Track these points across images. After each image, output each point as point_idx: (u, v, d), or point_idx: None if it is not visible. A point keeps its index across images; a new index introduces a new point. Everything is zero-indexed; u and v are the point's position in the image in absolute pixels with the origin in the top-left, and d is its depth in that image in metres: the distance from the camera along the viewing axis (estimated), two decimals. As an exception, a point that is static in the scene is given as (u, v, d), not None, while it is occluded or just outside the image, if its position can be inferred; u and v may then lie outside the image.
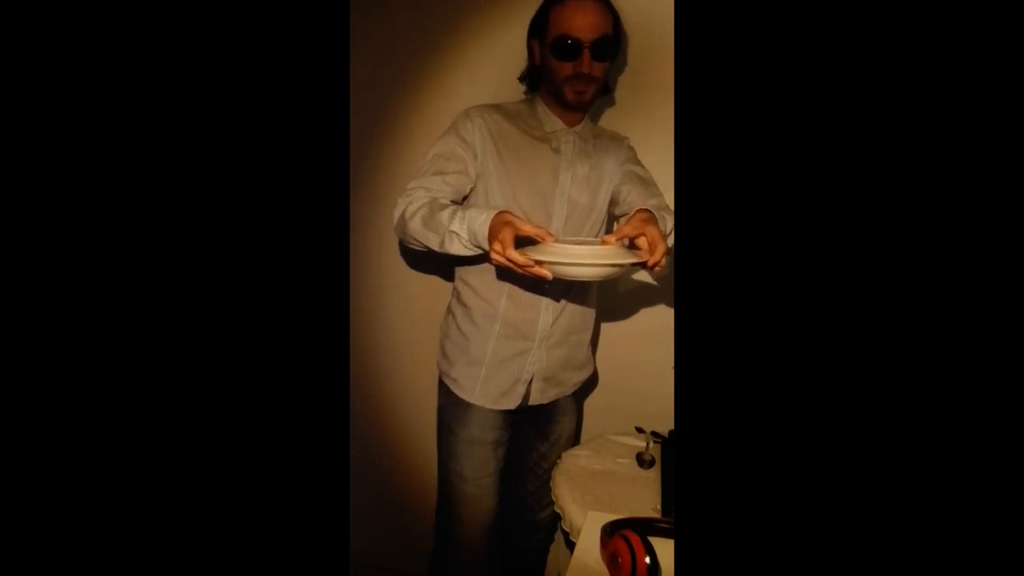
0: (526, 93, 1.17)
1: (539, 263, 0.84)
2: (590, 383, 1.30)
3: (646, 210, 0.99)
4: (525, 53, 1.13)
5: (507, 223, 0.87)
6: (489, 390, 1.11)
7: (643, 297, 1.34)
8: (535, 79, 1.12)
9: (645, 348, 1.31)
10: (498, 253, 0.85)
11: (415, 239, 1.00)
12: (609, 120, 1.26)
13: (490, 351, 1.11)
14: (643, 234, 0.91)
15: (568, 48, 1.03)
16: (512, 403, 1.12)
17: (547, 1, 1.06)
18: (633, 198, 1.14)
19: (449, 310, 1.17)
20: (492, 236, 0.87)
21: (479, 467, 1.13)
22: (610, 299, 1.31)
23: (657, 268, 0.89)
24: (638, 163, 1.20)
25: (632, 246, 0.93)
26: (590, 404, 1.36)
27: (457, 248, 0.95)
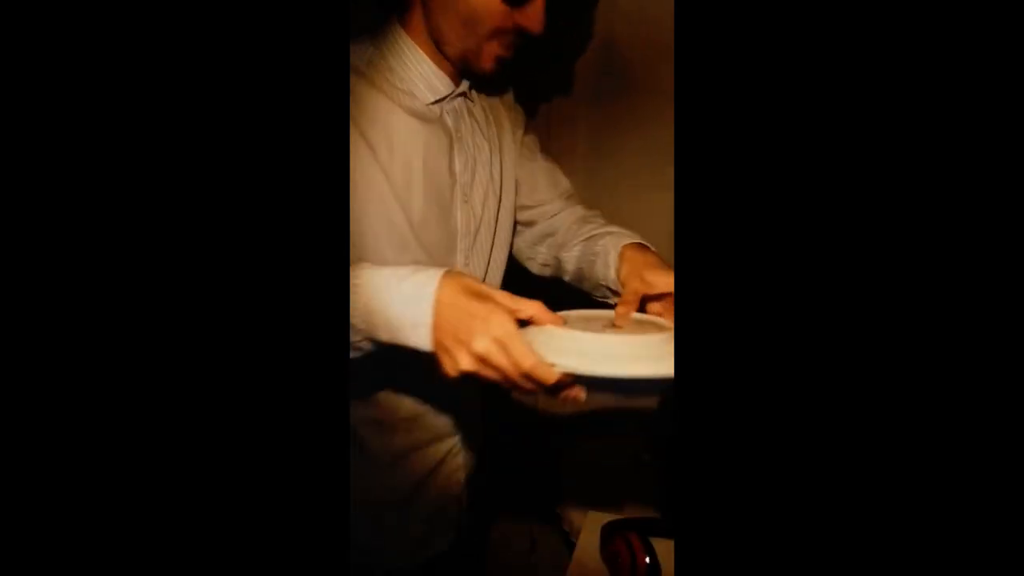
0: (378, 17, 0.70)
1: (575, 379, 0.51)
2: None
3: (641, 245, 0.71)
4: None
5: (477, 295, 0.50)
6: (400, 541, 0.76)
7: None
8: None
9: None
10: (490, 366, 0.49)
11: None
12: (609, 120, 1.25)
13: (400, 482, 0.72)
14: (670, 293, 0.63)
15: None
16: (441, 545, 0.79)
17: None
18: (544, 198, 0.80)
19: None
20: (451, 331, 0.49)
21: None
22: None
23: None
24: (529, 132, 0.83)
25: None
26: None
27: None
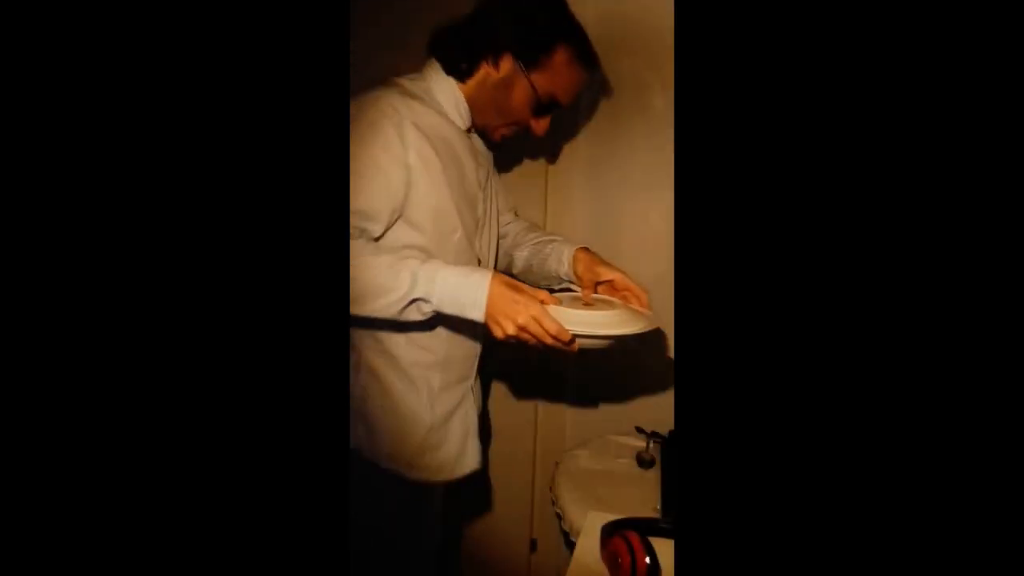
0: (431, 58, 0.93)
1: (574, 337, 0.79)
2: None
3: (586, 248, 0.99)
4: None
5: (515, 288, 0.79)
6: (441, 458, 0.97)
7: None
8: (470, 64, 0.90)
9: (644, 347, 1.31)
10: (530, 333, 0.77)
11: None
12: (610, 120, 1.25)
13: (439, 411, 0.95)
14: (613, 279, 0.93)
15: (548, 108, 0.92)
16: (473, 463, 1.00)
17: (560, 34, 0.89)
18: (501, 209, 1.08)
19: (362, 371, 0.93)
20: (500, 310, 0.77)
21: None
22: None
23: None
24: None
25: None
26: (589, 404, 1.36)
27: (414, 316, 0.80)
